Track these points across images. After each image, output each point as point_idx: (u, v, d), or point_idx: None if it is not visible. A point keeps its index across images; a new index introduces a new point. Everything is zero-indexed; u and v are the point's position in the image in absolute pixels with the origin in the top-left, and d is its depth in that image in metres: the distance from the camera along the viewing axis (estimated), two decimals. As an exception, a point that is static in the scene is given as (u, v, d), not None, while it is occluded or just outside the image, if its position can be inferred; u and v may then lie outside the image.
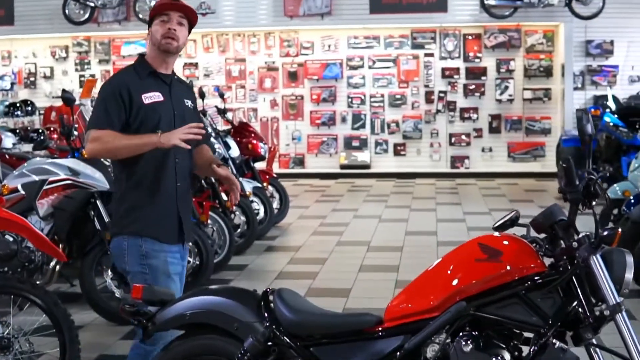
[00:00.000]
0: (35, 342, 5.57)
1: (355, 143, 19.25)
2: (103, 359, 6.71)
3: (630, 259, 3.68)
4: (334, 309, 7.29)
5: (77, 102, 9.06)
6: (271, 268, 10.08)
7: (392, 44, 19.12)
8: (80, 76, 19.54)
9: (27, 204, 7.48)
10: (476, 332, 3.73)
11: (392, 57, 19.11)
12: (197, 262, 8.39)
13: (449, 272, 3.84)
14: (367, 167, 19.16)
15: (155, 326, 4.18)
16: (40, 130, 13.30)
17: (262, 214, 11.50)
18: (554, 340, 3.64)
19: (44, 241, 5.92)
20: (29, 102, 18.11)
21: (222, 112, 12.16)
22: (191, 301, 4.19)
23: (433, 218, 13.19)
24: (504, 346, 3.74)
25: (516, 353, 3.75)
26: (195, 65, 19.37)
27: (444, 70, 18.97)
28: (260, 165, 12.54)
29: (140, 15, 17.91)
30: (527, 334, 3.81)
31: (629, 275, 3.65)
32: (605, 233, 3.58)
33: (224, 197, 10.10)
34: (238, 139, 11.81)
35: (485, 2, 17.49)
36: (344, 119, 19.27)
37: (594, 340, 3.68)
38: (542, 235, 3.88)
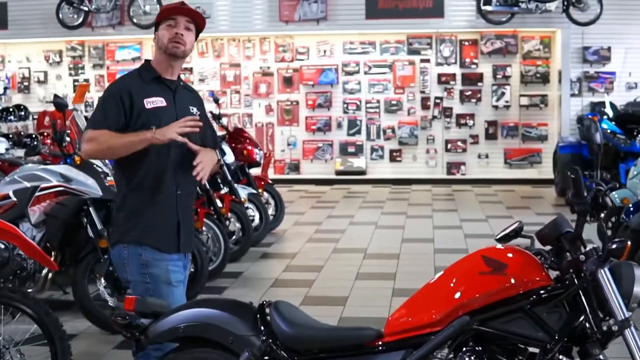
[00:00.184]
0: (26, 353, 5.49)
1: (351, 149, 19.18)
2: (96, 369, 6.63)
3: (639, 273, 3.58)
4: (331, 318, 7.18)
5: (70, 107, 8.96)
6: (266, 275, 9.98)
7: (388, 50, 19.05)
8: (74, 81, 19.44)
9: (18, 210, 7.41)
10: (480, 348, 3.66)
11: (388, 62, 19.03)
12: (192, 270, 8.27)
13: (451, 285, 3.75)
14: (363, 173, 19.08)
15: (148, 339, 4.10)
16: (33, 136, 13.24)
17: (257, 220, 11.41)
18: (560, 356, 3.57)
19: (35, 249, 5.88)
20: (22, 107, 18.04)
21: (216, 117, 12.08)
22: (185, 313, 4.11)
23: (430, 225, 13.10)
24: (508, 362, 3.65)
25: (521, 369, 3.66)
26: (190, 70, 19.26)
27: (440, 76, 18.90)
28: (255, 172, 12.46)
29: (135, 20, 17.84)
30: (532, 350, 3.71)
31: (638, 289, 3.56)
32: (614, 246, 3.50)
33: (219, 203, 10.04)
34: (233, 144, 11.74)
35: (482, 8, 17.41)
36: (339, 125, 19.19)
37: (601, 356, 3.60)
38: (547, 248, 3.79)
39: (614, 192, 10.38)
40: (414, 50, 18.95)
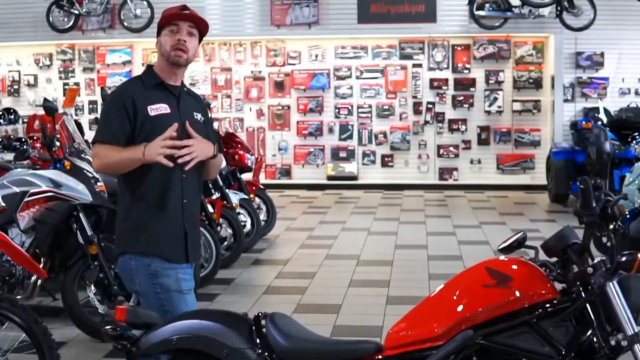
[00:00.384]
0: (14, 362, 5.38)
1: (343, 154, 19.09)
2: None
3: (649, 286, 3.48)
4: (324, 326, 7.07)
5: (59, 111, 8.84)
6: (259, 282, 9.87)
7: (380, 54, 18.96)
8: (65, 84, 19.28)
9: (7, 216, 7.32)
10: (483, 363, 3.53)
11: (380, 67, 18.94)
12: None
13: (454, 298, 3.64)
14: (355, 178, 18.99)
15: (140, 350, 3.97)
16: (23, 139, 13.06)
17: (248, 226, 11.32)
18: (567, 372, 3.45)
19: (23, 256, 5.81)
20: (12, 110, 17.87)
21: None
22: (178, 325, 3.99)
23: (423, 231, 13.01)
24: (512, 378, 3.55)
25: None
26: (181, 74, 19.12)
27: (432, 81, 18.82)
28: (247, 177, 12.36)
29: (125, 23, 17.72)
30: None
31: (648, 303, 3.45)
32: (624, 259, 3.39)
33: (210, 209, 9.93)
34: (224, 149, 11.61)
35: (475, 12, 17.31)
36: (331, 130, 19.09)
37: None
38: (552, 259, 3.68)
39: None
40: (406, 55, 18.87)
